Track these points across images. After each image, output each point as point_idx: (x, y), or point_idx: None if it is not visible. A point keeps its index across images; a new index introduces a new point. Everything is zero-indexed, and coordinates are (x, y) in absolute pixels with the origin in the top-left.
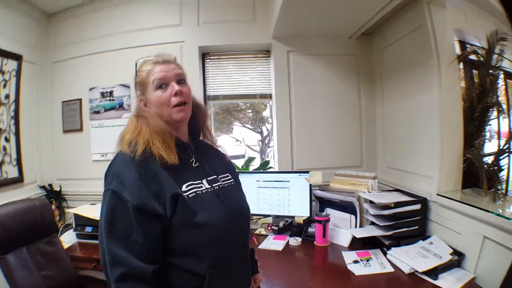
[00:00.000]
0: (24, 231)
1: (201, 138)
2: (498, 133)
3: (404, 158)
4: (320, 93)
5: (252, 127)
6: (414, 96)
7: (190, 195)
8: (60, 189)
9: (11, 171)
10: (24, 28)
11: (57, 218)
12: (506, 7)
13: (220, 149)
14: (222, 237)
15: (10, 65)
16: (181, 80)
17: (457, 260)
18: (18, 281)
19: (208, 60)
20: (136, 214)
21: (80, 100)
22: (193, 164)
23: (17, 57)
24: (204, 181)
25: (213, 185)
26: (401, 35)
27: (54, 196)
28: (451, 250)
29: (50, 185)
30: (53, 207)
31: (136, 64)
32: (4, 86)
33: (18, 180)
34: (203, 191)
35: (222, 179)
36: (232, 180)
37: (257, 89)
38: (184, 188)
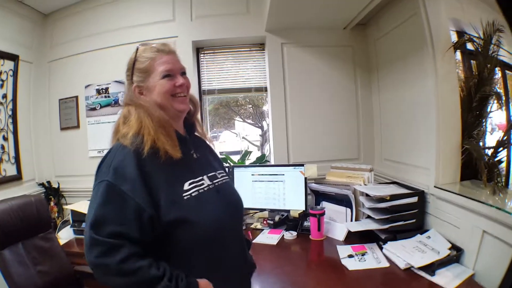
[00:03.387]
0: (20, 227)
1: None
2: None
3: (401, 150)
4: (316, 85)
5: (253, 122)
6: (410, 86)
7: (192, 194)
8: (58, 186)
9: (9, 169)
10: (21, 29)
11: (56, 214)
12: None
13: (210, 144)
14: (225, 233)
15: (7, 65)
16: (183, 72)
17: (456, 255)
18: (14, 276)
19: (202, 55)
20: (138, 213)
21: (76, 97)
22: (194, 155)
23: (14, 57)
24: (205, 177)
25: (214, 181)
26: (395, 24)
27: (53, 193)
28: (450, 245)
29: (48, 182)
30: (52, 204)
31: (137, 49)
32: (1, 86)
33: (17, 178)
34: (205, 189)
35: (220, 176)
36: (227, 177)
37: (252, 82)
38: (186, 186)
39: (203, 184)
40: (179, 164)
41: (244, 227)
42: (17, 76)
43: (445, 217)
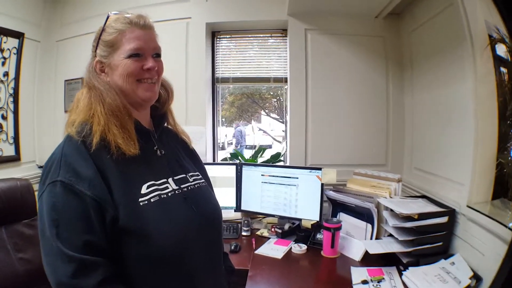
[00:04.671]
0: (3, 210)
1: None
2: None
3: (434, 159)
4: (341, 77)
5: (277, 117)
6: (446, 85)
7: (151, 199)
8: None
9: (7, 149)
10: (29, 6)
11: None
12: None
13: (184, 138)
14: (189, 252)
15: (10, 42)
16: (157, 54)
17: (474, 286)
18: None
19: (218, 39)
20: (99, 213)
21: (82, 79)
22: (158, 152)
23: (18, 35)
24: (170, 180)
25: (181, 186)
26: (431, 15)
27: None
28: (471, 273)
29: None
30: None
31: (108, 17)
32: (3, 63)
33: (15, 159)
34: (169, 194)
35: (192, 178)
36: (203, 180)
37: (271, 72)
38: (144, 190)
39: (166, 188)
40: (137, 162)
41: (233, 248)
42: (21, 54)
43: (472, 241)
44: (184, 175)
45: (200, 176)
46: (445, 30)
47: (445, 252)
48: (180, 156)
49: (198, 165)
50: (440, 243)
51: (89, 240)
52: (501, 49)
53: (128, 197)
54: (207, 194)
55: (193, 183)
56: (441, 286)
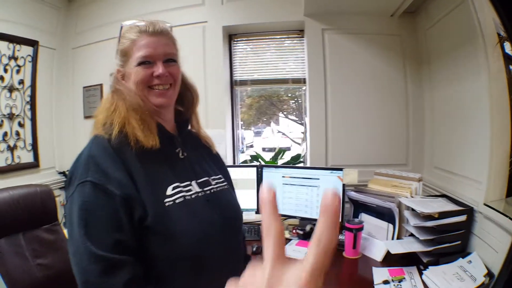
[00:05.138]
0: (21, 217)
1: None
2: None
3: (453, 157)
4: (359, 77)
5: (296, 119)
6: (463, 83)
7: (176, 201)
8: None
9: (25, 156)
10: (42, 15)
11: None
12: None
13: (207, 141)
14: (211, 253)
15: (24, 50)
16: (170, 59)
17: (488, 283)
18: (9, 267)
19: (235, 42)
20: (128, 211)
21: (100, 85)
22: (180, 155)
23: (32, 43)
24: (193, 182)
25: (204, 188)
26: (445, 13)
27: None
28: (486, 271)
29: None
30: None
31: (121, 28)
32: (18, 71)
33: (34, 166)
34: (193, 196)
35: (214, 182)
36: (226, 183)
37: (289, 73)
38: (169, 191)
39: (190, 190)
40: (161, 163)
41: (255, 250)
42: (37, 62)
43: (488, 239)
44: (206, 178)
45: (223, 179)
46: (459, 27)
47: (463, 251)
48: (202, 159)
49: (221, 168)
50: (459, 242)
51: (119, 239)
52: (509, 48)
53: (154, 197)
54: (229, 197)
55: (215, 186)
56: (458, 284)
